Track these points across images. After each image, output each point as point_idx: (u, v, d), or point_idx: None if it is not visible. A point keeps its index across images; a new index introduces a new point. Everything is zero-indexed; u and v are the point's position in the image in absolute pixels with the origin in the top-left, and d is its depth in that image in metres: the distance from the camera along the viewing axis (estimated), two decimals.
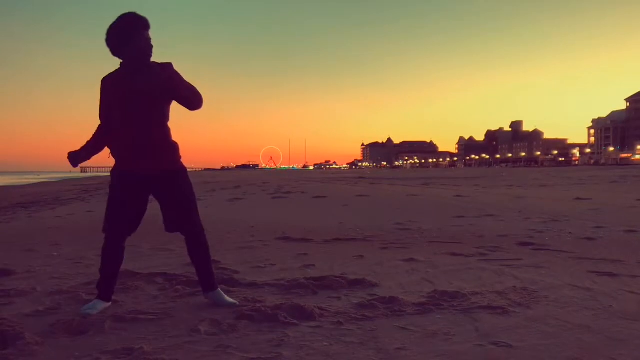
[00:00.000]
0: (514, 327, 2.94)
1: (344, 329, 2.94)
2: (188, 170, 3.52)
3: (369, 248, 5.80)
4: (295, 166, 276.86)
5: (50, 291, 3.81)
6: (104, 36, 3.23)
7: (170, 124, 3.42)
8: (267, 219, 9.20)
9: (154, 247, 5.85)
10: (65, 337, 2.82)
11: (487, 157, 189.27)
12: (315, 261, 4.97)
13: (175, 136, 3.44)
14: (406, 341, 2.73)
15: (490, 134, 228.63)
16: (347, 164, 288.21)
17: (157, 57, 3.31)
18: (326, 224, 8.29)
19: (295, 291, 3.79)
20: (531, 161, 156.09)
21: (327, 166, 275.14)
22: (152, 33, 3.23)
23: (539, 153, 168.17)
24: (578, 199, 13.03)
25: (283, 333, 2.87)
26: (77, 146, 3.39)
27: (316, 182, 30.34)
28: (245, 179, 35.33)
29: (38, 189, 29.73)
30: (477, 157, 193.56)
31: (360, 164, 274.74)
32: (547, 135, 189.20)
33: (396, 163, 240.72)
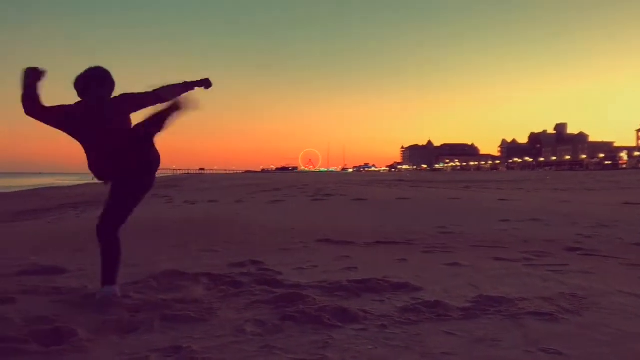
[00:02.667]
0: (564, 334, 2.87)
1: (389, 332, 2.93)
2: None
3: (412, 251, 5.76)
4: (334, 169, 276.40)
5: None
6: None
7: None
8: (307, 221, 9.22)
9: (201, 249, 5.95)
10: (115, 335, 2.89)
11: (531, 160, 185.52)
12: (358, 264, 4.96)
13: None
14: (452, 346, 2.70)
15: (533, 137, 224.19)
16: (387, 166, 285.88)
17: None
18: (367, 227, 8.27)
19: (339, 293, 3.78)
20: (576, 164, 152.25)
21: (366, 169, 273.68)
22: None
23: (584, 156, 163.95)
24: (627, 203, 12.64)
25: (328, 335, 2.87)
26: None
27: (355, 184, 30.30)
28: (285, 182, 35.52)
29: (83, 189, 30.57)
30: (519, 160, 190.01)
31: (399, 166, 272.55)
32: (593, 138, 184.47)
33: (436, 166, 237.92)
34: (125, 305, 3.43)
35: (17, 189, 30.88)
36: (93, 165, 3.95)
